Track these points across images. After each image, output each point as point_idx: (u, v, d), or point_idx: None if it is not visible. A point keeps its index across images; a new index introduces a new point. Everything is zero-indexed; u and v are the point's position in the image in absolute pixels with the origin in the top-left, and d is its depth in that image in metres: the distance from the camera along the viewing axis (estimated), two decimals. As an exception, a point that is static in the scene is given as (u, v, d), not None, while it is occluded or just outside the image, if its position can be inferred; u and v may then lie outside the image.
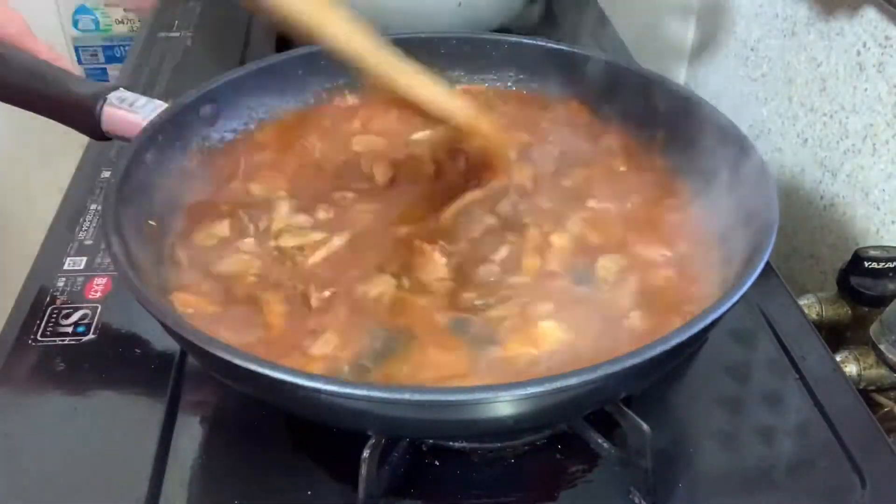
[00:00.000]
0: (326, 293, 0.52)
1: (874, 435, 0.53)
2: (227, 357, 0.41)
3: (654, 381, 0.52)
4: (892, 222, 0.81)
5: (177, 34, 0.97)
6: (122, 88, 0.61)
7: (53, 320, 0.59)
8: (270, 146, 0.66)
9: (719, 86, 1.17)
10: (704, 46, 1.21)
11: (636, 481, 0.49)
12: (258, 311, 0.51)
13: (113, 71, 1.21)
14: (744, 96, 1.09)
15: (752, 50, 1.07)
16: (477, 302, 0.52)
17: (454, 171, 0.62)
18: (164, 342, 0.56)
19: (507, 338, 0.49)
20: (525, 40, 0.71)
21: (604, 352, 0.43)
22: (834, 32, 0.89)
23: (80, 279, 0.63)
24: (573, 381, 0.40)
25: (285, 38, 0.95)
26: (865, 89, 0.84)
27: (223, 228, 0.58)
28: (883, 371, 0.65)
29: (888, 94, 0.81)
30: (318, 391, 0.40)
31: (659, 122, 0.64)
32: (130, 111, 0.60)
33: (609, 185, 0.62)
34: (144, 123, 0.58)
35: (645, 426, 0.47)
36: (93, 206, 0.70)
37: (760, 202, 0.52)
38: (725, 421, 0.55)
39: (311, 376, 0.41)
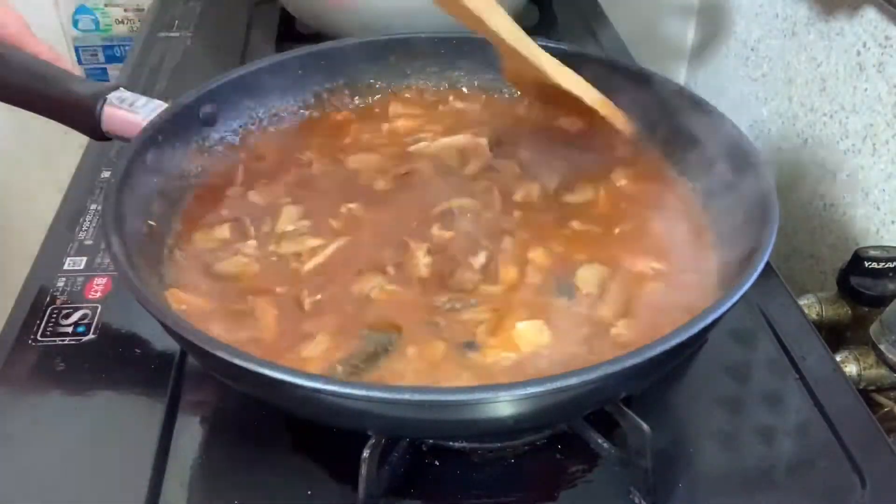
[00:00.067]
0: (318, 297, 0.53)
1: (874, 435, 0.53)
2: (228, 357, 0.41)
3: (654, 381, 0.52)
4: (892, 222, 0.81)
5: (177, 34, 0.97)
6: (122, 88, 0.61)
7: (53, 320, 0.59)
8: (268, 156, 0.66)
9: (719, 86, 1.17)
10: (704, 46, 1.21)
11: (636, 481, 0.49)
12: (251, 313, 0.52)
13: (113, 71, 1.21)
14: (744, 96, 1.09)
15: (752, 50, 1.07)
16: (457, 305, 0.52)
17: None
18: (164, 342, 0.56)
19: (486, 342, 0.49)
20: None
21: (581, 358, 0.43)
22: (834, 32, 0.89)
23: (80, 279, 0.63)
24: (573, 380, 0.40)
25: (285, 38, 0.96)
26: (865, 89, 0.84)
27: (223, 231, 0.58)
28: (883, 371, 0.65)
29: (888, 94, 0.81)
30: (318, 391, 0.40)
31: (657, 121, 0.64)
32: (130, 111, 0.60)
33: (603, 186, 0.62)
34: (144, 123, 0.58)
35: (645, 426, 0.47)
36: (93, 206, 0.70)
37: (760, 202, 0.52)
38: (725, 421, 0.55)
39: (311, 376, 0.41)
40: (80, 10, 1.17)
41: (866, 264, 0.70)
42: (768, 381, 0.57)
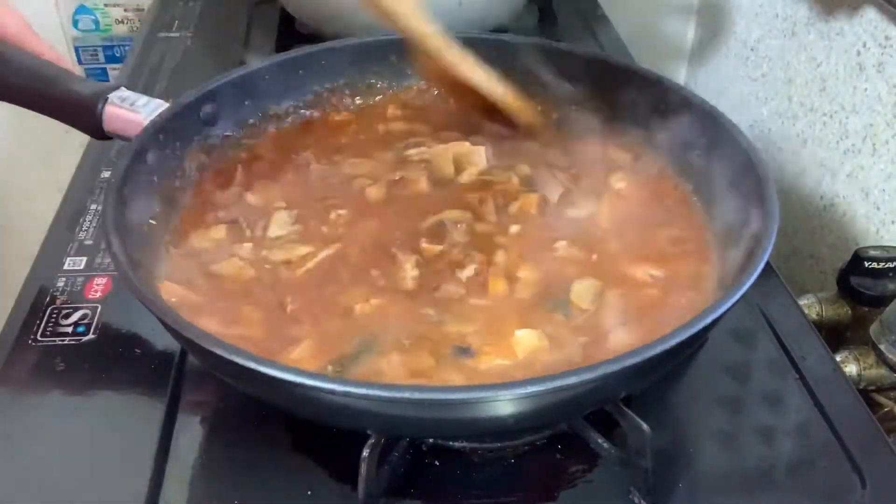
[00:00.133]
0: (304, 305, 0.52)
1: (874, 435, 0.53)
2: (228, 356, 0.41)
3: (654, 381, 0.52)
4: (892, 222, 0.81)
5: (177, 34, 0.97)
6: (123, 88, 0.61)
7: (53, 320, 0.59)
8: (267, 156, 0.66)
9: (719, 86, 1.17)
10: (704, 46, 1.21)
11: (636, 481, 0.49)
12: (239, 312, 0.52)
13: (113, 71, 1.21)
14: (744, 96, 1.09)
15: (752, 50, 1.07)
16: (441, 317, 0.52)
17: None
18: (164, 342, 0.56)
19: (481, 349, 0.49)
20: (525, 40, 0.71)
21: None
22: (834, 32, 0.89)
23: (80, 279, 0.63)
24: (573, 380, 0.40)
25: (285, 38, 0.96)
26: (865, 89, 0.84)
27: (219, 231, 0.58)
28: (883, 371, 0.65)
29: (888, 94, 0.81)
30: (319, 389, 0.40)
31: (656, 121, 0.64)
32: (132, 110, 0.60)
33: (601, 188, 0.62)
34: (145, 123, 0.58)
35: (645, 426, 0.47)
36: (93, 206, 0.70)
37: (760, 202, 0.52)
38: (725, 421, 0.55)
39: (312, 375, 0.41)
40: (80, 10, 1.17)
41: (866, 264, 0.70)
42: (768, 381, 0.57)
